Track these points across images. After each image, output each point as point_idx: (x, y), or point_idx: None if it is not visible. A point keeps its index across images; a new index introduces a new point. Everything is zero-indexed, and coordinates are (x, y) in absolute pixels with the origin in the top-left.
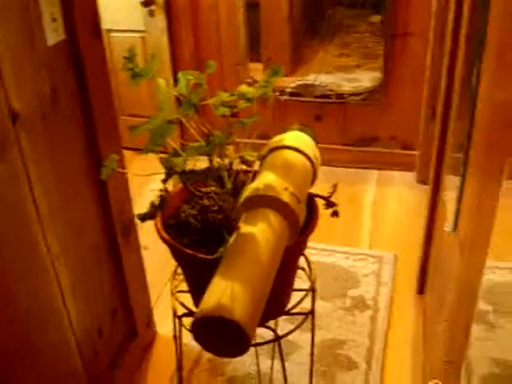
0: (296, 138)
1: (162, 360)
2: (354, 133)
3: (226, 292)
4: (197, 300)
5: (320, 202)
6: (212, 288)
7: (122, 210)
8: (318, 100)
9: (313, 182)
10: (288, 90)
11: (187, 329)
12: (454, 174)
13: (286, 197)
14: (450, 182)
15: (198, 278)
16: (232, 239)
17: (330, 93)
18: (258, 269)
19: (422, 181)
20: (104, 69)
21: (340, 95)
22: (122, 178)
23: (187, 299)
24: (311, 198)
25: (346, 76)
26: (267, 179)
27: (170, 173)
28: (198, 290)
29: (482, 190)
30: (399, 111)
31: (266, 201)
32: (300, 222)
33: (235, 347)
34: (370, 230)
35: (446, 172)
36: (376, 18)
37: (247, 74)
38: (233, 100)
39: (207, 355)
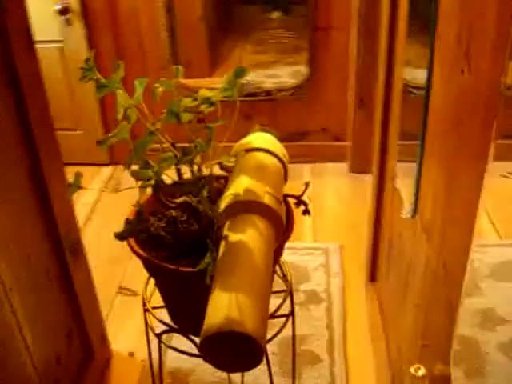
0: (262, 139)
1: (121, 378)
2: (284, 129)
3: (231, 305)
4: (176, 315)
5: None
6: (215, 302)
7: (69, 230)
8: (247, 99)
9: (285, 181)
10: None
11: (169, 346)
12: (404, 161)
13: (268, 200)
14: (400, 169)
15: (178, 293)
16: (221, 249)
17: (257, 90)
18: (257, 276)
19: (355, 170)
20: (40, 84)
21: (268, 92)
22: (66, 197)
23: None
24: (284, 199)
25: (266, 72)
26: (244, 184)
27: (145, 186)
28: (178, 304)
29: (443, 176)
30: (327, 104)
31: (249, 206)
32: (284, 224)
33: (248, 360)
34: (312, 223)
35: (394, 159)
36: (275, 15)
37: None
38: (195, 105)
39: (168, 369)
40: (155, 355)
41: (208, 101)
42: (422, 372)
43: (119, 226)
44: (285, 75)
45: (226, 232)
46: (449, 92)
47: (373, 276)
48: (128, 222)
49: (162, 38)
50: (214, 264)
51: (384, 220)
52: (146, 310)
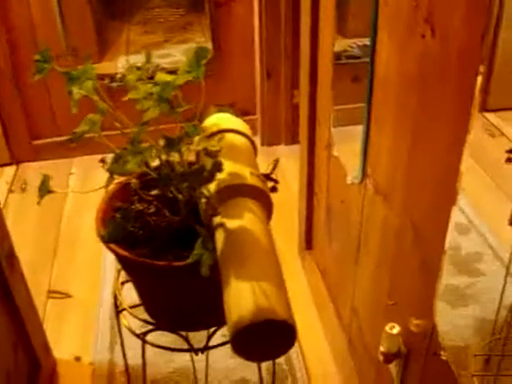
0: (225, 119)
1: None
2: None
3: (256, 293)
4: (160, 312)
5: None
6: (236, 293)
7: (2, 238)
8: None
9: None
10: (118, 75)
11: (154, 344)
12: (340, 126)
13: (255, 181)
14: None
15: (167, 289)
16: (220, 238)
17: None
18: (269, 259)
19: (267, 143)
20: None
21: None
22: None
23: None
24: None
25: (157, 53)
26: (227, 167)
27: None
28: (165, 301)
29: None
30: (234, 79)
31: (239, 190)
32: (272, 204)
33: (280, 345)
34: None
35: (327, 127)
36: None
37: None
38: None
39: (119, 370)
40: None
41: (170, 85)
42: (396, 330)
43: (32, 228)
44: (178, 54)
45: (220, 219)
46: (406, 57)
47: (308, 244)
48: (112, 223)
49: (57, 24)
50: (211, 254)
51: (318, 189)
52: (120, 312)
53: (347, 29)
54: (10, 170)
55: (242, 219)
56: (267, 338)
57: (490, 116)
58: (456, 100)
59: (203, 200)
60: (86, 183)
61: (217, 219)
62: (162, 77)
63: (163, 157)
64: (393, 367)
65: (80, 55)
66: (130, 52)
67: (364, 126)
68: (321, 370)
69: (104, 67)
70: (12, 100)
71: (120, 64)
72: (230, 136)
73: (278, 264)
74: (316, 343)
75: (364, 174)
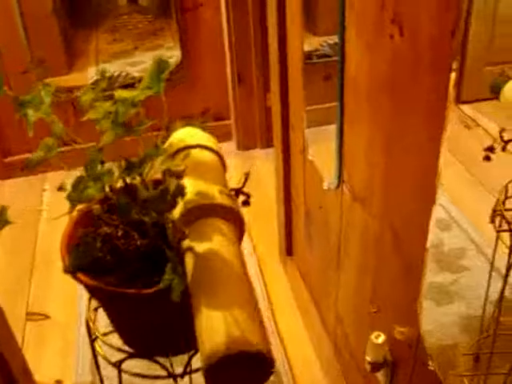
0: (193, 134)
1: None
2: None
3: (228, 322)
4: (133, 339)
5: None
6: (208, 323)
7: None
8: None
9: (225, 172)
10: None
11: (131, 373)
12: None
13: (223, 199)
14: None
15: (137, 316)
16: (189, 263)
17: (131, 81)
18: (241, 285)
19: (243, 147)
20: None
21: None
22: None
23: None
24: None
25: (127, 61)
26: (194, 186)
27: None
28: (136, 328)
29: (379, 140)
30: (206, 84)
31: (208, 210)
32: (244, 223)
33: (257, 375)
34: None
35: (300, 131)
36: (122, 1)
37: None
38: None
39: None
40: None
41: (130, 102)
42: (381, 339)
43: (7, 248)
44: (148, 61)
45: (189, 243)
46: (375, 57)
47: (289, 250)
48: (75, 252)
49: (20, 35)
50: (181, 279)
51: (296, 194)
52: (93, 340)
53: (317, 26)
54: None
55: (212, 242)
56: (242, 368)
57: (465, 108)
58: (430, 99)
59: (170, 224)
60: (60, 198)
61: (185, 242)
62: (121, 94)
63: (125, 180)
64: (380, 376)
65: (47, 66)
66: (99, 61)
67: (337, 131)
68: (307, 376)
69: (73, 79)
70: None
71: (89, 75)
72: (196, 152)
73: (251, 288)
74: (301, 348)
75: (340, 180)
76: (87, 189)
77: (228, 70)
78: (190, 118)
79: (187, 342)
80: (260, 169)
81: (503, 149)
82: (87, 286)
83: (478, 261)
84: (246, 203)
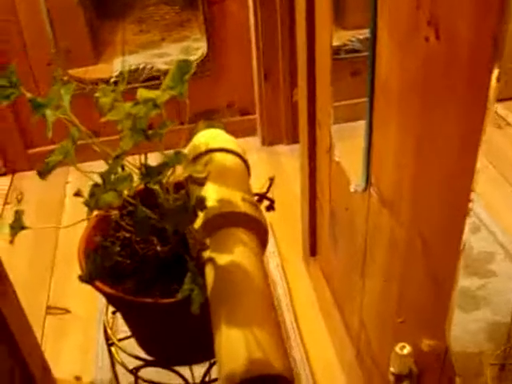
0: (216, 136)
1: None
2: (190, 110)
3: (249, 342)
4: (151, 347)
5: None
6: (228, 342)
7: None
8: (146, 84)
9: (249, 177)
10: (112, 80)
11: (148, 381)
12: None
13: (247, 208)
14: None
15: (155, 326)
16: (210, 275)
17: (157, 74)
18: (263, 300)
19: (268, 143)
20: None
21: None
22: None
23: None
24: None
25: (154, 52)
26: (216, 194)
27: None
28: (154, 336)
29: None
30: (231, 78)
31: (230, 219)
32: (267, 230)
33: None
34: None
35: (327, 130)
36: None
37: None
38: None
39: None
40: None
41: (152, 103)
42: (406, 350)
43: (29, 241)
44: (175, 52)
45: (210, 254)
46: (408, 58)
47: (313, 250)
48: (92, 259)
49: (46, 29)
50: (201, 291)
51: (321, 193)
52: (111, 345)
53: (346, 20)
54: (4, 181)
55: (233, 253)
56: None
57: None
58: (467, 103)
59: (190, 234)
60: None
61: (206, 253)
62: (142, 94)
63: (145, 186)
64: None
65: (72, 57)
66: (125, 52)
67: (365, 132)
68: (328, 380)
69: (100, 69)
70: (4, 109)
71: (115, 67)
72: (219, 156)
73: (273, 304)
74: (323, 351)
75: (368, 183)
76: (104, 197)
77: (254, 63)
78: (215, 111)
79: (206, 351)
80: (285, 165)
81: None
82: (105, 294)
83: (506, 266)
84: (271, 208)
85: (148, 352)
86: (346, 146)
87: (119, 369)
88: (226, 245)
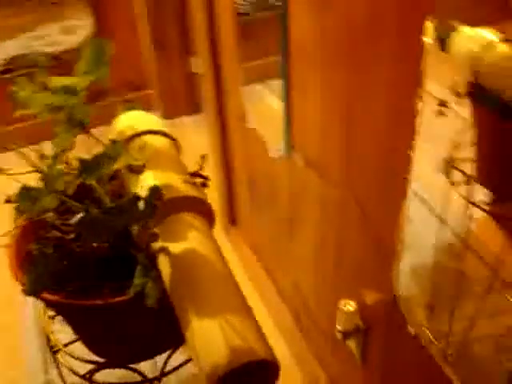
0: (139, 118)
1: None
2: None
3: (226, 331)
4: (102, 348)
5: None
6: (203, 335)
7: None
8: (33, 70)
9: None
10: None
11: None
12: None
13: (191, 191)
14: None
15: (107, 326)
16: (165, 266)
17: (43, 58)
18: (229, 285)
19: (168, 116)
20: None
21: (56, 57)
22: None
23: None
24: None
25: (30, 35)
26: (154, 179)
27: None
28: (107, 338)
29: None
30: (123, 54)
31: (175, 204)
32: (213, 211)
33: (263, 381)
34: None
35: (238, 97)
36: None
37: None
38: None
39: None
40: None
41: (71, 91)
42: (351, 307)
43: None
44: (54, 33)
45: (161, 243)
46: (326, 20)
47: (233, 219)
48: (32, 270)
49: None
50: (156, 284)
51: (236, 163)
52: (56, 352)
53: None
54: None
55: (186, 239)
56: (247, 377)
57: None
58: (397, 59)
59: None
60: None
61: (156, 244)
62: (58, 81)
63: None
64: (352, 343)
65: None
66: (1, 39)
67: (284, 99)
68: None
69: None
70: None
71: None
72: (149, 139)
73: (238, 287)
74: (260, 321)
75: (290, 147)
76: (40, 200)
77: (146, 36)
78: (109, 90)
79: (163, 343)
80: (191, 136)
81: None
82: (50, 303)
83: (420, 212)
84: (204, 185)
85: (100, 354)
86: (260, 109)
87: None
88: (176, 232)
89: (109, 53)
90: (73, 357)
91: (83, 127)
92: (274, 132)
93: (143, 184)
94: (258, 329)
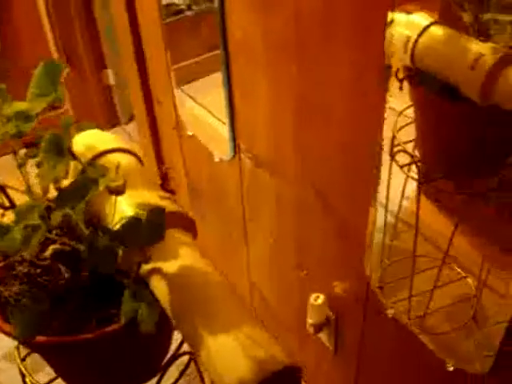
0: (96, 137)
1: None
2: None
3: (244, 344)
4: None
5: None
6: (220, 352)
7: None
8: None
9: None
10: None
11: None
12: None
13: (170, 206)
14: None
15: (98, 359)
16: (161, 286)
17: None
18: (233, 298)
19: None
20: None
21: None
22: None
23: None
24: None
25: None
26: (131, 198)
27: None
28: (96, 369)
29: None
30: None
31: None
32: (195, 223)
33: None
34: None
35: (171, 103)
36: None
37: None
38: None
39: None
40: None
41: (24, 116)
42: (321, 300)
43: None
44: None
45: (152, 264)
46: (271, 20)
47: None
48: (21, 314)
49: None
50: (151, 307)
51: (174, 172)
52: None
53: None
54: None
55: (179, 257)
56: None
57: None
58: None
59: (82, 248)
60: None
61: (146, 265)
62: (17, 106)
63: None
64: (324, 335)
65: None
66: None
67: (226, 100)
68: None
69: None
70: None
71: None
72: (112, 158)
73: (239, 296)
74: None
75: (236, 150)
76: (16, 239)
77: (53, 52)
78: None
79: (156, 365)
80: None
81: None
82: (40, 345)
83: None
84: (172, 192)
85: None
86: (203, 103)
87: None
88: (167, 250)
89: (62, 73)
90: None
91: (71, 153)
92: (216, 137)
93: (122, 205)
94: (272, 336)
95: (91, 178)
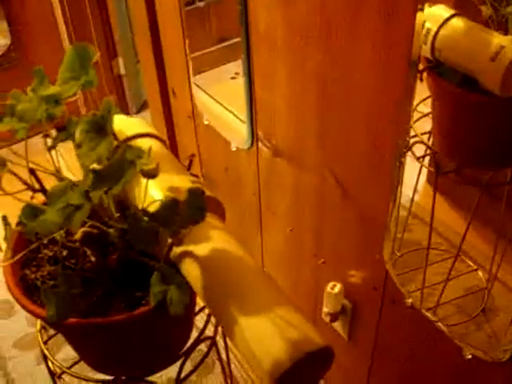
0: (124, 122)
1: None
2: None
3: (279, 325)
4: (114, 364)
5: None
6: (255, 333)
7: None
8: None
9: None
10: None
11: None
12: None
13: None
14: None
15: (125, 341)
16: (193, 269)
17: None
18: (267, 280)
19: None
20: None
21: None
22: None
23: None
24: None
25: None
26: (162, 183)
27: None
28: (123, 353)
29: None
30: (42, 62)
31: None
32: (224, 208)
33: (319, 369)
34: None
35: (187, 95)
36: None
37: None
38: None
39: None
40: None
41: (54, 99)
42: (337, 288)
43: None
44: None
45: (183, 247)
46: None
47: None
48: (54, 294)
49: None
50: (182, 289)
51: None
52: (59, 377)
53: None
54: None
55: (211, 240)
56: (306, 367)
57: None
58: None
59: (113, 233)
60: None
61: (177, 248)
62: (47, 90)
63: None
64: (338, 324)
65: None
66: None
67: (246, 89)
68: None
69: None
70: None
71: None
72: (142, 143)
73: (272, 279)
74: None
75: (254, 138)
76: (49, 220)
77: (66, 43)
78: None
79: (178, 350)
80: None
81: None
82: (69, 327)
83: None
84: None
85: (109, 371)
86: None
87: None
88: (198, 233)
89: (94, 57)
90: (80, 377)
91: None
92: (232, 126)
93: (152, 189)
94: (304, 317)
95: (128, 160)
